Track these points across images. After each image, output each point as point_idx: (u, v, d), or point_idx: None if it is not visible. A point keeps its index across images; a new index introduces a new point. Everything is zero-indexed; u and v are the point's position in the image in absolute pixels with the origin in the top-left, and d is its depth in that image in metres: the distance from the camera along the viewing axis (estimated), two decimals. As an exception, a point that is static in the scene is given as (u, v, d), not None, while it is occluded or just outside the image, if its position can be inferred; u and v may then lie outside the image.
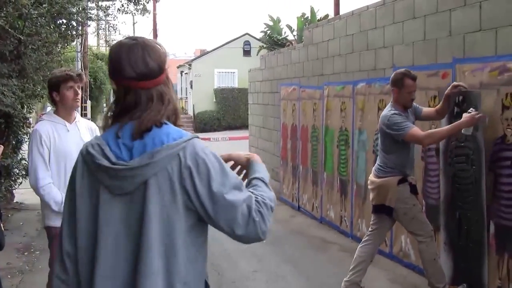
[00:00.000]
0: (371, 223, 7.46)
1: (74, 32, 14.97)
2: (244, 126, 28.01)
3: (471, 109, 6.53)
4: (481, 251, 6.72)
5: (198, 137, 2.76)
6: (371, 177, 7.30)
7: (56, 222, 5.73)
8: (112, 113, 2.83)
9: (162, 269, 2.62)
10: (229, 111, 43.66)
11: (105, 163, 2.66)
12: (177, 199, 2.62)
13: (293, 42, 28.49)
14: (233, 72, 45.99)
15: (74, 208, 2.79)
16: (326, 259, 8.70)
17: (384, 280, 8.03)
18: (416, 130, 6.74)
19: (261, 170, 3.17)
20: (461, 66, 7.16)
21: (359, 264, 7.27)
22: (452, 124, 6.71)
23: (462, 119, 6.48)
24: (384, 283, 7.95)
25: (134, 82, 2.73)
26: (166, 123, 2.75)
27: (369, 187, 7.37)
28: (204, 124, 43.70)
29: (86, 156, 2.76)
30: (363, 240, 7.47)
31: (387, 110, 6.99)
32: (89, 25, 23.31)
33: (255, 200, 2.77)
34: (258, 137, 16.41)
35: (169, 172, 2.61)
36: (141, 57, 2.75)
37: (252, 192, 2.83)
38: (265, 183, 3.05)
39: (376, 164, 7.31)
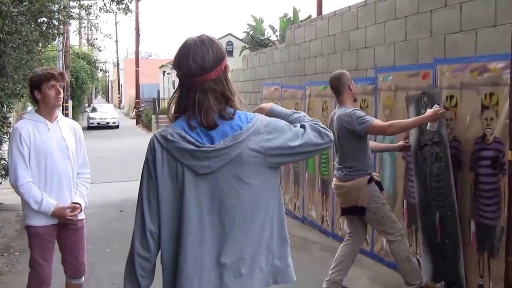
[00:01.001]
0: (347, 226, 7.59)
1: (55, 31, 14.85)
2: (226, 126, 27.93)
3: (435, 105, 6.77)
4: (456, 248, 6.77)
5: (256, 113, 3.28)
6: (337, 182, 7.32)
7: (35, 221, 5.73)
8: (176, 107, 3.22)
9: (254, 237, 3.17)
10: (211, 111, 43.55)
11: (191, 147, 3.05)
12: (260, 166, 3.12)
13: (275, 43, 28.54)
14: (216, 73, 45.88)
15: (154, 192, 3.16)
16: (308, 259, 8.70)
17: (365, 279, 8.05)
18: (378, 120, 7.04)
19: (282, 108, 3.73)
20: (441, 67, 7.19)
21: (339, 264, 7.31)
22: (415, 117, 6.95)
23: (426, 113, 6.71)
24: (365, 282, 7.97)
25: (197, 78, 3.10)
26: (236, 110, 3.19)
27: (337, 192, 7.44)
28: (186, 124, 43.57)
29: (167, 144, 3.11)
30: (344, 240, 7.54)
31: (343, 109, 7.13)
32: (71, 24, 23.15)
33: (308, 123, 3.33)
34: (240, 137, 16.36)
35: (251, 147, 3.07)
36: (205, 53, 3.11)
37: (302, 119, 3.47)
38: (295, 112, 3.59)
39: (338, 170, 7.35)
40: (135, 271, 3.24)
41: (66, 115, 24.63)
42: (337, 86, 7.31)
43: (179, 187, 3.10)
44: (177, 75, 3.20)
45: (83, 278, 6.20)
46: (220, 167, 3.06)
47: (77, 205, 5.88)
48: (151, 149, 3.19)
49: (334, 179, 7.44)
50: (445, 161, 6.81)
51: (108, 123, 50.46)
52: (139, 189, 3.26)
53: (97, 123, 50.13)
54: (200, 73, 3.09)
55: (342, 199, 7.40)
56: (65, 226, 5.88)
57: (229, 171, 3.08)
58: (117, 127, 50.69)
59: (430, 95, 7.18)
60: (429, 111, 6.68)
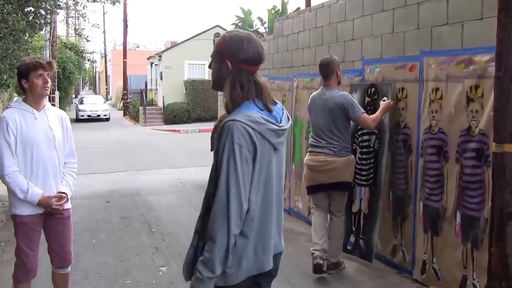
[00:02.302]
0: (315, 203, 8.07)
1: (43, 21, 14.80)
2: (214, 118, 28.07)
3: (384, 98, 7.80)
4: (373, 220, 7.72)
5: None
6: (327, 158, 7.66)
7: (21, 210, 5.73)
8: (238, 96, 3.60)
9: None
10: (199, 103, 43.42)
11: (275, 127, 3.56)
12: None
13: (264, 35, 28.50)
14: (204, 64, 45.73)
15: (249, 173, 3.47)
16: (294, 250, 8.72)
17: (351, 270, 8.07)
18: (365, 113, 7.60)
19: None
20: (428, 59, 7.23)
21: (325, 235, 7.81)
22: (380, 110, 7.67)
23: (384, 105, 7.65)
24: (350, 273, 7.99)
25: (259, 66, 3.66)
26: None
27: (324, 167, 7.71)
28: (173, 116, 43.45)
29: (259, 126, 3.48)
30: (315, 211, 8.03)
31: (335, 92, 7.69)
32: (58, 13, 23.08)
33: None
34: (227, 128, 16.33)
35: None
36: (259, 47, 3.64)
37: None
38: None
39: (327, 147, 7.71)
40: (227, 254, 3.45)
41: (53, 106, 24.68)
42: (326, 71, 7.78)
43: (267, 163, 3.56)
44: (243, 62, 3.57)
45: (69, 268, 6.21)
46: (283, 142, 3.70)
47: (63, 195, 5.88)
48: (244, 134, 3.42)
49: (321, 156, 7.72)
50: (381, 146, 7.84)
51: (99, 115, 49.60)
52: (229, 174, 3.42)
53: (88, 116, 49.14)
54: (262, 61, 3.65)
55: (327, 175, 7.68)
56: (51, 216, 5.88)
57: (284, 146, 3.74)
58: (107, 119, 49.79)
59: (380, 88, 8.13)
60: (384, 103, 7.71)
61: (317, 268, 7.53)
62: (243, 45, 3.57)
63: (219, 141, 3.49)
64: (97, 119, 48.90)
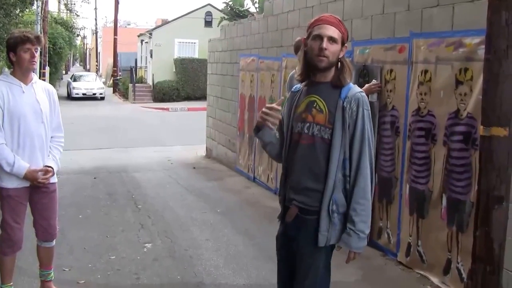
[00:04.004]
0: None
1: (34, -5, 14.77)
2: (203, 97, 28.03)
3: (373, 80, 7.95)
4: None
5: None
6: None
7: (7, 183, 5.72)
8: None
9: None
10: (188, 82, 43.30)
11: None
12: None
13: (254, 15, 28.46)
14: (194, 43, 45.65)
15: None
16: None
17: (334, 251, 8.07)
18: None
19: None
20: (417, 41, 7.22)
21: None
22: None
23: (366, 86, 7.76)
24: (336, 254, 7.99)
25: None
26: None
27: None
28: (163, 94, 43.37)
29: None
30: None
31: None
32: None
33: None
34: (216, 107, 16.35)
35: None
36: None
37: None
38: None
39: None
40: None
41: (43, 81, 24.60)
42: (298, 51, 7.70)
43: None
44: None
45: (54, 242, 6.20)
46: None
47: (49, 168, 5.86)
48: (368, 102, 4.12)
49: None
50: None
51: (94, 94, 47.67)
52: (370, 138, 4.03)
53: (83, 94, 47.39)
54: None
55: None
56: (37, 189, 5.87)
57: None
58: (103, 98, 48.08)
59: (370, 69, 8.18)
60: (368, 85, 7.88)
61: None
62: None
63: (351, 110, 3.98)
64: (92, 97, 47.25)
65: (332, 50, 3.99)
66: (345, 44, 4.11)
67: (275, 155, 4.50)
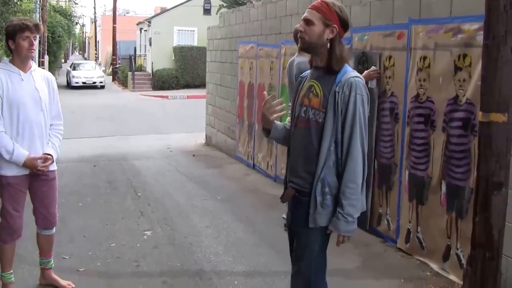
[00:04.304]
0: None
1: (32, -17, 14.76)
2: (202, 85, 28.05)
3: (372, 66, 7.94)
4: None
5: None
6: None
7: (7, 171, 5.72)
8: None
9: None
10: (187, 70, 43.30)
11: None
12: None
13: (253, 2, 28.40)
14: (193, 31, 45.62)
15: None
16: (278, 217, 8.72)
17: (335, 238, 8.08)
18: None
19: None
20: (416, 27, 7.20)
21: None
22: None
23: (364, 73, 7.73)
24: (335, 240, 8.01)
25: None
26: None
27: None
28: (162, 82, 43.39)
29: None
30: None
31: (302, 58, 7.63)
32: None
33: None
34: (215, 95, 16.34)
35: None
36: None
37: None
38: None
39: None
40: None
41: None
42: (296, 39, 7.63)
43: None
44: (345, 32, 4.23)
45: (54, 230, 6.21)
46: None
47: (49, 156, 5.86)
48: (367, 91, 4.15)
49: None
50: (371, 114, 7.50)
51: (94, 82, 47.21)
52: (362, 125, 4.08)
53: (83, 83, 46.78)
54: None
55: None
56: (36, 177, 5.87)
57: None
58: (103, 87, 47.56)
59: (369, 56, 8.16)
60: (367, 71, 7.88)
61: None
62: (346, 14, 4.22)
63: (343, 95, 4.05)
64: (92, 86, 46.70)
65: (308, 31, 4.17)
66: (332, 25, 4.14)
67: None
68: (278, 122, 4.52)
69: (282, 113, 4.40)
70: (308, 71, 4.47)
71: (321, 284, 4.35)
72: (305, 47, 4.30)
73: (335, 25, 4.14)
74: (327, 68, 4.20)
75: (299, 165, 4.29)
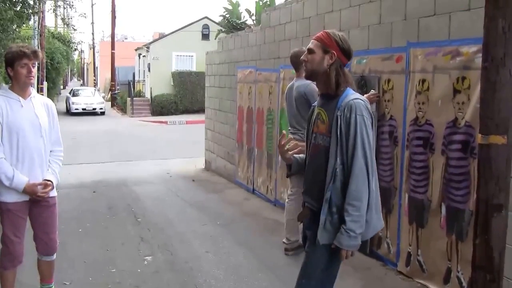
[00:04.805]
0: (290, 187, 8.48)
1: (30, 10, 14.80)
2: (201, 110, 28.08)
3: (372, 90, 7.95)
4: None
5: None
6: (299, 143, 7.68)
7: (7, 197, 5.73)
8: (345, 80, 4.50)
9: None
10: (186, 95, 43.36)
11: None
12: None
13: (251, 27, 28.50)
14: (191, 56, 45.76)
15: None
16: (279, 241, 8.72)
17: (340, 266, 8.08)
18: None
19: None
20: (415, 50, 7.23)
21: (289, 223, 8.33)
22: None
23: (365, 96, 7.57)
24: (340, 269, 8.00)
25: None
26: None
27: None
28: (161, 107, 43.45)
29: (368, 104, 4.42)
30: (288, 200, 8.46)
31: (302, 82, 7.93)
32: (45, 2, 23.00)
33: None
34: (214, 120, 16.37)
35: None
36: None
37: None
38: None
39: (297, 133, 8.16)
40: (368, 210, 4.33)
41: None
42: (295, 63, 8.23)
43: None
44: (348, 59, 4.57)
45: (54, 256, 6.22)
46: None
47: (49, 182, 5.87)
48: (369, 112, 4.34)
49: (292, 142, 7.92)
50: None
51: (94, 109, 46.59)
52: (364, 144, 4.26)
53: (83, 109, 46.30)
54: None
55: None
56: (36, 203, 5.88)
57: None
58: (103, 113, 47.17)
59: (368, 79, 8.20)
60: (365, 96, 7.44)
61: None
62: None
63: (345, 118, 4.26)
64: (92, 113, 46.27)
65: (310, 59, 4.54)
66: (331, 52, 4.45)
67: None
68: (297, 156, 4.81)
69: (296, 149, 4.74)
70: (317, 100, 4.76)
71: None
72: (308, 75, 4.60)
73: (334, 51, 4.40)
74: (327, 94, 4.47)
75: (312, 187, 4.56)
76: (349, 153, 4.26)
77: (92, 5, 78.78)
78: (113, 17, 54.41)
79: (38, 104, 5.93)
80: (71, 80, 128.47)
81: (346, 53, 4.48)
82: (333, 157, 4.31)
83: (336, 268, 4.53)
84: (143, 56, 51.31)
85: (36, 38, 26.36)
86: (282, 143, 4.75)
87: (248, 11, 33.33)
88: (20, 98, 5.77)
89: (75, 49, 45.39)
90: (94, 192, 13.54)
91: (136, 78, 53.15)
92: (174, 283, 7.32)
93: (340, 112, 4.29)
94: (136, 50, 55.97)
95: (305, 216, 4.71)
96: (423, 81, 7.06)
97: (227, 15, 34.13)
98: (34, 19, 22.31)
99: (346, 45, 4.46)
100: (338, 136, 4.29)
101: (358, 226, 4.20)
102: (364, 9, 8.42)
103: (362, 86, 8.19)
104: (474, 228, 5.24)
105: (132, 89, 47.68)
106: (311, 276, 4.47)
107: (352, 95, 4.37)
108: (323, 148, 4.44)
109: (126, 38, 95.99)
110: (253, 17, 32.51)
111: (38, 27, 26.51)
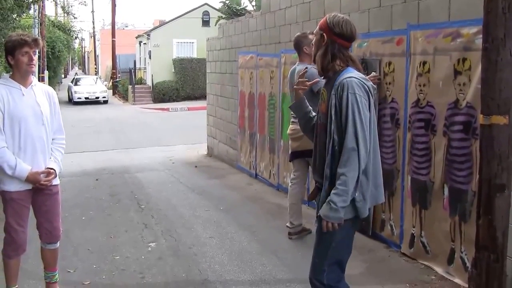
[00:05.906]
0: (293, 171, 8.48)
1: (30, 0, 14.77)
2: (203, 96, 28.11)
3: (372, 73, 7.93)
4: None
5: None
6: (298, 126, 7.61)
7: (10, 186, 5.73)
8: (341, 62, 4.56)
9: None
10: (188, 81, 43.34)
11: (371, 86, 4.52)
12: None
13: (252, 12, 28.44)
14: (192, 42, 45.71)
15: (368, 118, 4.39)
16: (282, 225, 8.73)
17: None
18: None
19: None
20: (415, 33, 7.21)
21: (293, 208, 8.33)
22: None
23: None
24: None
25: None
26: None
27: (297, 135, 8.12)
28: (163, 94, 43.43)
29: (368, 83, 4.45)
30: (291, 184, 8.46)
31: (302, 66, 7.60)
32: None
33: None
34: (216, 105, 16.36)
35: None
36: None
37: None
38: None
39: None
40: (357, 186, 4.35)
41: (41, 84, 24.63)
42: (297, 48, 8.29)
43: (372, 113, 4.42)
44: (345, 40, 4.56)
45: (58, 244, 6.21)
46: None
47: (51, 170, 5.87)
48: (365, 89, 4.39)
49: (295, 125, 8.06)
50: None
51: (97, 97, 46.42)
52: (356, 121, 4.29)
53: (86, 98, 45.91)
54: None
55: (299, 143, 8.15)
56: (39, 191, 5.88)
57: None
58: (106, 102, 46.84)
59: (369, 62, 8.18)
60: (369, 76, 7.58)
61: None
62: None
63: (338, 96, 4.35)
64: (95, 101, 45.88)
65: (313, 42, 4.71)
66: (323, 34, 4.57)
67: (307, 130, 5.09)
68: (308, 104, 5.03)
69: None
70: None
71: (332, 274, 4.57)
72: (313, 57, 4.75)
73: (325, 34, 4.53)
74: (327, 75, 4.61)
75: (318, 165, 4.67)
76: (343, 130, 4.33)
77: (92, -8, 78.67)
78: (113, 5, 54.34)
79: (39, 92, 5.92)
80: (72, 68, 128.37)
81: (342, 36, 4.52)
82: (330, 135, 4.41)
83: (345, 243, 4.61)
84: (144, 43, 51.26)
85: (37, 27, 26.33)
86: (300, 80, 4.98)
87: (248, -3, 33.26)
88: (21, 86, 5.76)
89: (76, 37, 45.21)
90: (97, 179, 13.56)
91: (137, 66, 53.13)
92: (178, 269, 7.34)
93: (334, 90, 4.40)
94: (136, 37, 55.91)
95: (314, 193, 4.84)
96: (424, 63, 7.04)
97: (227, 1, 34.07)
98: (34, 8, 22.27)
99: (340, 28, 4.51)
100: (333, 114, 4.38)
101: (341, 200, 4.26)
102: (364, -9, 8.40)
103: (363, 69, 8.17)
104: (477, 208, 5.27)
105: (134, 77, 47.65)
106: (321, 254, 4.56)
107: (347, 73, 4.45)
108: (324, 126, 4.53)
109: (126, 26, 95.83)
110: (253, 3, 32.45)
111: (39, 16, 26.47)
